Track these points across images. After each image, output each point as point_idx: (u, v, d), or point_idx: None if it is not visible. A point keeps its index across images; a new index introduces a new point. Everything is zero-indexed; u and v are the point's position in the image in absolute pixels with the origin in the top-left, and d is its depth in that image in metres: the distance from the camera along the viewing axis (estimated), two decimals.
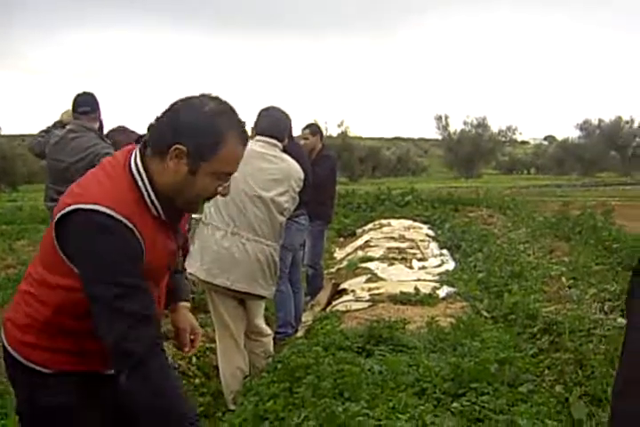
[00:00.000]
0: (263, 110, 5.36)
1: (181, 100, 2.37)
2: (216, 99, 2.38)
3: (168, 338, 6.19)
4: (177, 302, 2.82)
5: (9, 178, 38.19)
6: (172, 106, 2.37)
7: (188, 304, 2.82)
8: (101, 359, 2.48)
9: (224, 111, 2.36)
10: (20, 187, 38.15)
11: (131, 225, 2.28)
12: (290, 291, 6.73)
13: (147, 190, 2.37)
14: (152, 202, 2.39)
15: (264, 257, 5.08)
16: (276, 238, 5.21)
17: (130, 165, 2.38)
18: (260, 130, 5.25)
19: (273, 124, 5.26)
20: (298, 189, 5.29)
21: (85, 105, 6.25)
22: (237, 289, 5.03)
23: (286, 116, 5.48)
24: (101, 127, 6.40)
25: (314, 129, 8.29)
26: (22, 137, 40.10)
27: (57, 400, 2.60)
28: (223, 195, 2.43)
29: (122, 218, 2.27)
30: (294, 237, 6.81)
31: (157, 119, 2.37)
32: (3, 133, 52.13)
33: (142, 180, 2.37)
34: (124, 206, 2.29)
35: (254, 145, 5.13)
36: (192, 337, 2.83)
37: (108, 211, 2.25)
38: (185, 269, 2.97)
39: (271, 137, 5.20)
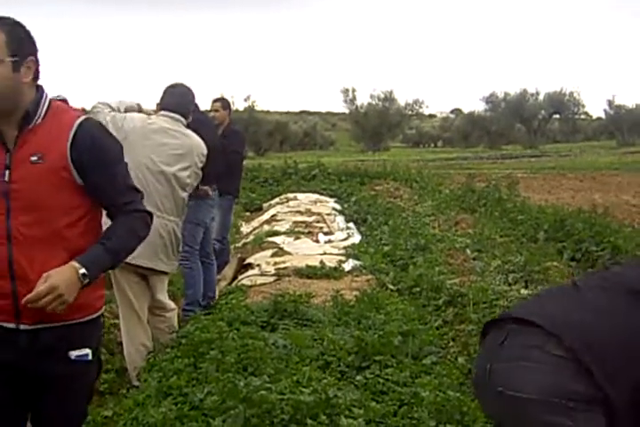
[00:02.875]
0: (169, 87, 5.32)
1: None
2: None
3: None
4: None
5: None
6: None
7: (76, 264, 2.49)
8: None
9: None
10: None
11: None
12: (200, 269, 6.66)
13: None
14: None
15: (166, 233, 5.02)
16: (178, 214, 5.17)
17: None
18: (164, 105, 5.22)
19: (177, 100, 5.24)
20: (201, 165, 5.26)
21: None
22: (139, 264, 4.93)
23: (191, 92, 5.45)
24: None
25: (225, 103, 8.21)
26: None
27: None
28: None
29: None
30: (206, 213, 6.80)
31: None
32: None
33: None
34: None
35: (158, 120, 5.10)
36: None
37: None
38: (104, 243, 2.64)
39: (175, 112, 5.17)
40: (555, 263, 7.81)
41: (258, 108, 47.85)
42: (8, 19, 2.55)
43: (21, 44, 2.52)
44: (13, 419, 2.75)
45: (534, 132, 56.18)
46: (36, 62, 2.58)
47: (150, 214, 2.79)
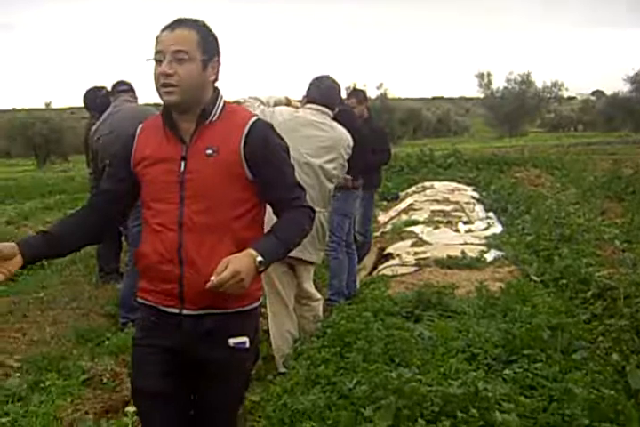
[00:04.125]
0: (315, 79, 5.38)
1: None
2: None
3: None
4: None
5: (60, 149, 38.74)
6: None
7: (253, 252, 2.59)
8: (156, 285, 2.79)
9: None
10: (70, 158, 38.80)
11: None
12: (346, 260, 6.75)
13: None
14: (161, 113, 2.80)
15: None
16: (325, 205, 5.24)
17: None
18: (311, 98, 5.29)
19: (324, 92, 5.29)
20: (347, 157, 5.32)
21: (123, 85, 7.08)
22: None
23: (337, 84, 5.48)
24: None
25: (360, 97, 8.02)
26: (72, 109, 41.57)
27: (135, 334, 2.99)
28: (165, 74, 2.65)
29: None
30: (352, 205, 6.91)
31: None
32: (53, 107, 55.36)
33: None
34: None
35: (305, 113, 5.20)
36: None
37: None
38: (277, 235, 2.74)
39: (322, 105, 5.24)
40: None
41: (390, 95, 47.71)
42: (199, 21, 2.73)
43: (210, 45, 2.71)
44: (179, 403, 2.87)
45: None
46: (219, 63, 2.76)
47: (313, 211, 2.89)
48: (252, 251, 2.60)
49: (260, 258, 2.59)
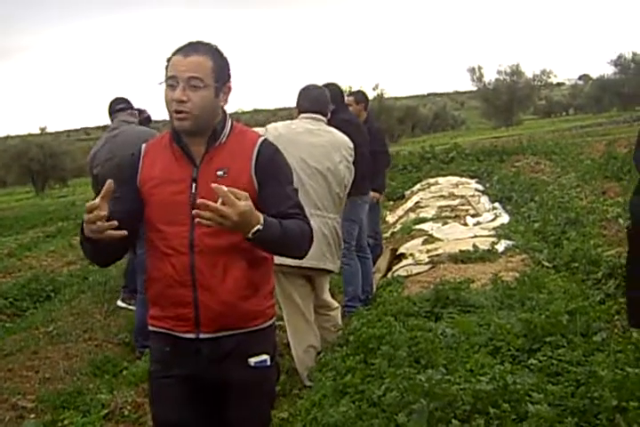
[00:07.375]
0: (302, 89, 5.39)
1: None
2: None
3: None
4: None
5: (58, 174, 38.42)
6: None
7: (260, 219, 2.46)
8: (170, 310, 2.78)
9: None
10: (69, 182, 38.55)
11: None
12: (358, 265, 6.75)
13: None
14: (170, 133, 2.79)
15: (328, 231, 5.08)
16: (337, 211, 5.23)
17: None
18: (302, 108, 5.31)
19: (313, 101, 5.31)
20: (351, 159, 5.32)
21: (121, 103, 6.79)
22: (309, 266, 4.97)
23: (324, 90, 5.48)
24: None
25: (358, 97, 7.87)
26: (67, 133, 41.49)
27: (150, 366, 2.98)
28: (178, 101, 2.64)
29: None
30: (360, 210, 6.86)
31: None
32: (48, 131, 55.25)
33: None
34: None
35: (301, 122, 5.23)
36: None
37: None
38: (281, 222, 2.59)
39: (314, 112, 5.26)
40: None
41: (387, 95, 47.90)
42: (212, 45, 2.74)
43: (223, 71, 2.73)
44: None
45: None
46: (230, 89, 2.77)
47: (311, 231, 2.78)
48: (261, 218, 2.48)
49: (260, 227, 2.46)
